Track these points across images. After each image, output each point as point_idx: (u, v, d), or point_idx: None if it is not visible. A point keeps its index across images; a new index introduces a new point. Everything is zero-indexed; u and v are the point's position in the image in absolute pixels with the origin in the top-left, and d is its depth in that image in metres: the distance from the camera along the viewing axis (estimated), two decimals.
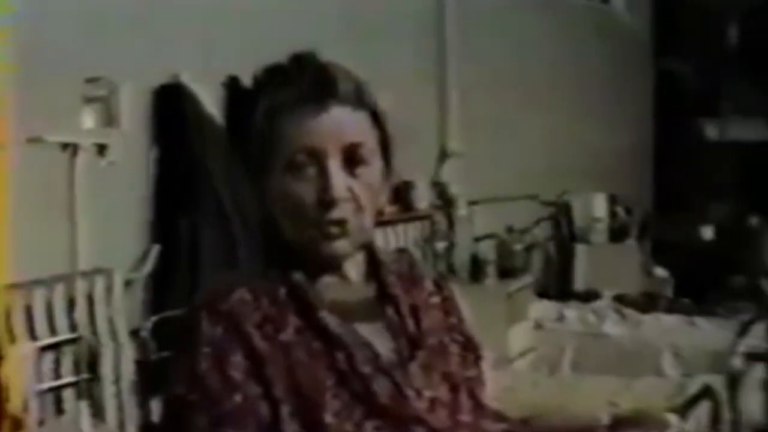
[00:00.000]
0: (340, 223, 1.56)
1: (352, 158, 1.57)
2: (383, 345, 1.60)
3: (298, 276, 1.59)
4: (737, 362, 4.91)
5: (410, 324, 1.65)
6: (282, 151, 1.56)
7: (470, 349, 1.73)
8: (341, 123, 1.57)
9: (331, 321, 1.57)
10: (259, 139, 1.59)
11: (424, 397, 1.59)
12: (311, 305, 1.57)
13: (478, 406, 1.68)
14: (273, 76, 1.60)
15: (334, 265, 1.62)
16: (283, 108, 1.56)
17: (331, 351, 1.55)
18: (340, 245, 1.58)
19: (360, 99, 1.60)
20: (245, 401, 1.49)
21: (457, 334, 1.73)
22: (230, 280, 1.61)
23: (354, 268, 1.64)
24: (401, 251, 1.82)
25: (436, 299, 1.74)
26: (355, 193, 1.57)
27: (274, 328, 1.54)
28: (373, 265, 1.68)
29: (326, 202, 1.54)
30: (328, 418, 1.51)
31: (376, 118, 1.62)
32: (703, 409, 4.44)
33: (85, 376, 3.89)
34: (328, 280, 1.62)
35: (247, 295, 1.56)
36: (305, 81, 1.56)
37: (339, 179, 1.55)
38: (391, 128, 1.65)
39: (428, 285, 1.75)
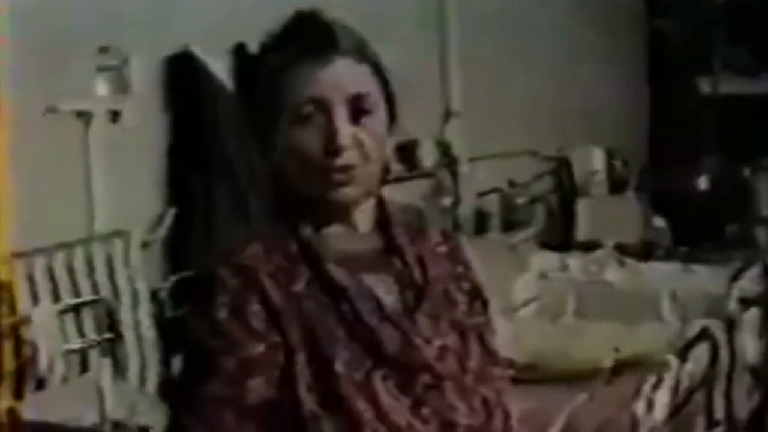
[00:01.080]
0: (346, 169, 1.56)
1: (357, 108, 1.57)
2: (389, 295, 1.60)
3: (306, 230, 1.58)
4: (733, 306, 4.90)
5: (416, 273, 1.64)
6: (288, 104, 1.56)
7: (477, 296, 1.72)
8: (345, 74, 1.57)
9: (337, 273, 1.56)
10: (266, 96, 1.59)
11: (432, 345, 1.59)
12: (319, 258, 1.56)
13: (488, 353, 1.67)
14: (278, 35, 1.60)
15: (341, 214, 1.61)
16: (289, 63, 1.56)
17: (339, 303, 1.55)
18: (347, 192, 1.57)
19: (362, 52, 1.60)
20: (267, 349, 1.50)
21: (464, 282, 1.72)
22: (244, 236, 1.61)
23: (362, 218, 1.64)
24: (409, 206, 1.81)
25: (443, 249, 1.74)
26: (361, 141, 1.57)
27: (287, 280, 1.54)
28: (382, 217, 1.67)
29: (332, 148, 1.54)
30: (339, 368, 1.51)
31: (379, 72, 1.62)
32: (702, 350, 4.43)
33: (107, 335, 3.89)
34: (336, 230, 1.61)
35: (261, 249, 1.55)
36: (309, 36, 1.57)
37: (345, 127, 1.55)
38: (394, 83, 1.65)
39: (435, 235, 1.74)
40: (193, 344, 1.52)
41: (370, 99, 1.58)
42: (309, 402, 1.49)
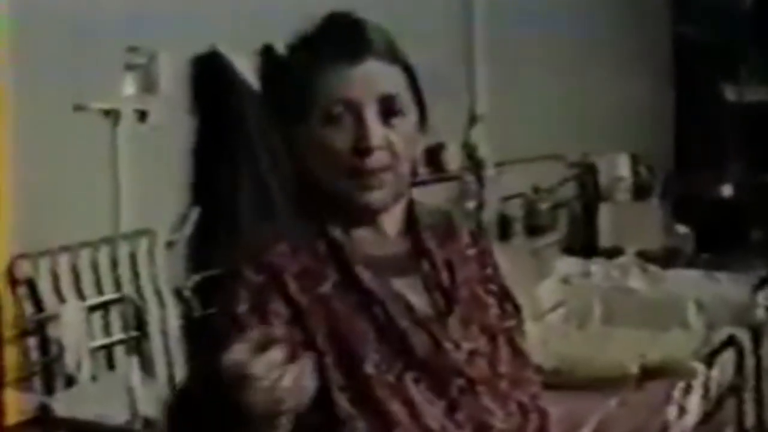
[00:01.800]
0: (377, 172, 1.53)
1: (387, 109, 1.54)
2: (418, 299, 1.57)
3: (335, 231, 1.56)
4: (760, 314, 4.86)
5: (445, 277, 1.61)
6: (319, 104, 1.53)
7: (507, 299, 1.68)
8: (376, 75, 1.55)
9: (366, 276, 1.54)
10: (294, 96, 1.57)
11: (462, 349, 1.55)
12: (347, 260, 1.54)
13: (518, 356, 1.63)
14: (309, 35, 1.58)
15: (370, 217, 1.58)
16: (319, 64, 1.54)
17: (368, 305, 1.52)
18: (377, 196, 1.54)
19: (393, 53, 1.58)
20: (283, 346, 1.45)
21: (492, 285, 1.68)
22: (272, 234, 1.58)
23: (391, 221, 1.61)
24: (438, 209, 1.77)
25: (471, 251, 1.70)
26: (391, 143, 1.54)
27: (313, 281, 1.51)
28: (410, 220, 1.64)
29: (363, 149, 1.51)
30: (369, 369, 1.48)
31: (409, 73, 1.60)
32: (728, 358, 4.39)
33: (133, 333, 3.87)
34: (364, 234, 1.58)
35: (287, 248, 1.53)
36: (341, 37, 1.55)
37: (375, 128, 1.52)
38: (422, 85, 1.62)
39: (464, 238, 1.71)
40: (212, 335, 1.50)
41: (401, 100, 1.56)
42: (342, 402, 1.46)
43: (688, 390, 3.99)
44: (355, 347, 1.49)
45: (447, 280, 1.61)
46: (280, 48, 1.65)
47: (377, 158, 1.52)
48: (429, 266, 1.61)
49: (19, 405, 3.41)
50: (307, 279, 1.51)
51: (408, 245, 1.62)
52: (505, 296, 1.70)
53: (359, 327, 1.50)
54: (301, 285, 1.50)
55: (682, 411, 3.90)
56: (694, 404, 4.00)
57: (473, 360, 1.55)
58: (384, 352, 1.50)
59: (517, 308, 1.70)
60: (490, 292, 1.67)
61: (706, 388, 4.11)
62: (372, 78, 1.54)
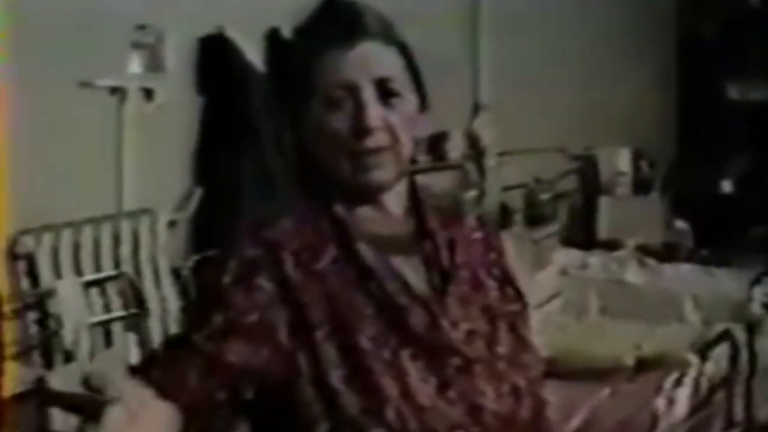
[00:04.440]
0: (376, 152, 1.53)
1: (385, 91, 1.55)
2: (416, 277, 1.57)
3: (339, 208, 1.56)
4: (756, 309, 4.85)
5: (445, 257, 1.61)
6: (319, 88, 1.54)
7: (509, 284, 1.68)
8: (373, 56, 1.56)
9: (366, 252, 1.54)
10: (297, 80, 1.58)
11: (460, 328, 1.55)
12: (350, 236, 1.54)
13: (519, 340, 1.62)
14: (308, 20, 1.60)
15: (372, 197, 1.58)
16: (318, 48, 1.55)
17: (366, 281, 1.52)
18: (377, 175, 1.55)
19: (388, 35, 1.59)
20: (260, 321, 1.47)
21: (496, 270, 1.67)
22: (276, 210, 1.61)
23: (394, 201, 1.61)
24: (445, 193, 1.77)
25: (477, 235, 1.70)
26: (390, 123, 1.55)
27: (310, 257, 1.52)
28: (414, 200, 1.63)
29: (361, 130, 1.52)
30: (365, 343, 1.48)
31: (406, 55, 1.61)
32: (722, 351, 4.39)
33: (133, 311, 3.87)
34: (367, 213, 1.58)
35: (291, 224, 1.54)
36: (337, 21, 1.56)
37: (373, 109, 1.53)
38: (422, 67, 1.63)
39: (470, 221, 1.71)
40: (196, 295, 1.54)
41: (398, 81, 1.56)
42: (333, 377, 1.46)
43: (678, 382, 4.00)
44: (351, 322, 1.49)
45: (447, 260, 1.60)
46: (287, 32, 1.65)
47: (376, 138, 1.53)
48: (431, 246, 1.61)
49: (17, 378, 3.40)
50: (305, 255, 1.51)
51: (412, 225, 1.62)
52: (508, 281, 1.69)
53: (356, 302, 1.50)
54: (297, 261, 1.50)
55: (671, 403, 3.90)
56: (684, 396, 4.00)
57: (471, 340, 1.55)
58: (380, 327, 1.50)
59: (519, 294, 1.70)
60: (492, 275, 1.67)
61: (698, 381, 4.11)
62: (368, 60, 1.55)
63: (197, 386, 1.44)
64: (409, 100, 1.58)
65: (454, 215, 1.69)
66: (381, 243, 1.56)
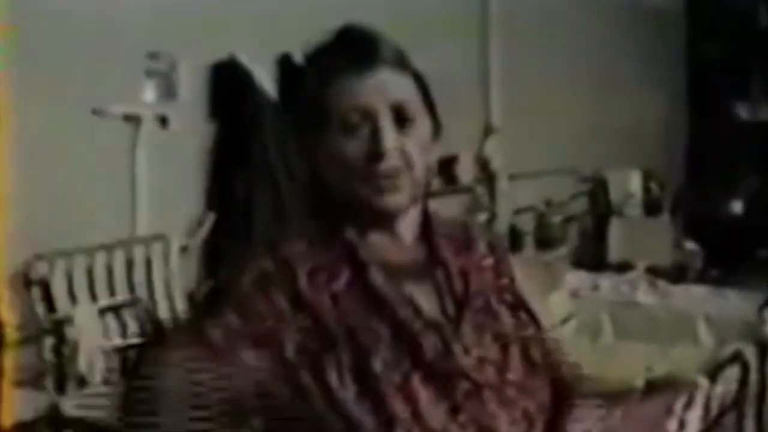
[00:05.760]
0: (391, 175, 1.53)
1: (401, 116, 1.55)
2: (429, 304, 1.56)
3: (350, 233, 1.56)
4: (767, 331, 4.84)
5: (458, 286, 1.60)
6: (333, 113, 1.55)
7: (522, 308, 1.68)
8: (388, 83, 1.56)
9: (378, 279, 1.53)
10: (310, 106, 1.59)
11: (472, 354, 1.54)
12: (361, 262, 1.54)
13: (532, 366, 1.62)
14: (323, 47, 1.60)
15: (386, 222, 1.58)
16: (333, 74, 1.56)
17: (379, 307, 1.51)
18: (392, 199, 1.54)
19: (402, 62, 1.59)
20: (270, 333, 1.45)
21: (508, 295, 1.68)
22: (289, 233, 1.61)
23: (407, 227, 1.60)
24: (455, 219, 1.77)
25: (488, 261, 1.69)
26: (406, 149, 1.54)
27: (326, 279, 1.51)
28: (426, 227, 1.63)
29: (376, 154, 1.52)
30: (377, 366, 1.47)
31: (420, 82, 1.60)
32: (733, 373, 4.37)
33: (146, 336, 3.87)
34: (380, 239, 1.58)
35: (303, 246, 1.54)
36: (353, 47, 1.57)
37: (389, 133, 1.53)
38: (434, 94, 1.62)
39: (481, 247, 1.70)
40: (210, 295, 1.54)
41: (412, 107, 1.56)
42: (345, 398, 1.46)
43: (689, 404, 3.98)
44: (364, 342, 1.48)
45: (461, 289, 1.60)
46: (298, 57, 1.66)
47: (391, 162, 1.52)
48: (443, 275, 1.60)
49: (29, 404, 3.41)
50: (320, 277, 1.51)
51: (424, 253, 1.61)
52: (520, 305, 1.69)
53: (369, 325, 1.50)
54: (311, 280, 1.50)
55: (682, 425, 3.88)
56: (695, 418, 3.98)
57: (482, 366, 1.55)
58: (393, 351, 1.49)
59: (533, 318, 1.70)
60: (504, 302, 1.67)
61: (708, 403, 4.09)
62: (385, 86, 1.55)
63: None
64: (423, 126, 1.58)
65: (465, 242, 1.68)
66: (393, 269, 1.56)
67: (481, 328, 1.59)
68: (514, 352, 1.61)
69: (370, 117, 1.53)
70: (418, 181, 1.57)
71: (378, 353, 1.48)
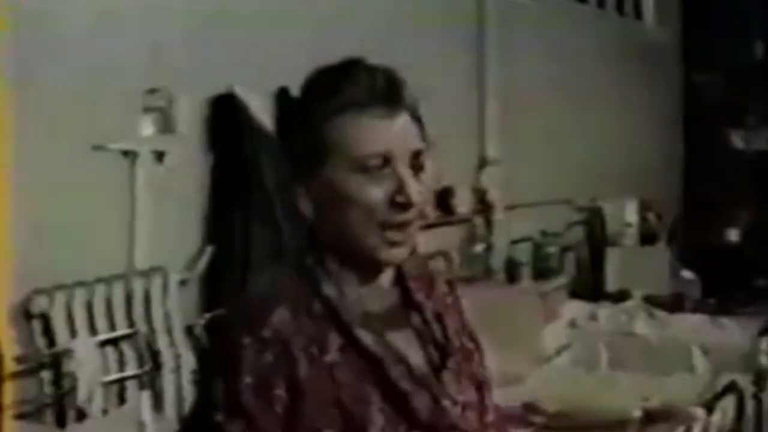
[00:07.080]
0: (405, 225, 1.52)
1: (415, 164, 1.54)
2: (415, 355, 1.57)
3: (329, 289, 1.53)
4: (763, 360, 4.86)
5: (437, 330, 1.61)
6: (350, 152, 1.51)
7: (480, 347, 1.70)
8: (408, 129, 1.55)
9: (366, 338, 1.52)
10: (313, 141, 1.53)
11: (457, 404, 1.57)
12: (345, 323, 1.52)
13: (494, 404, 1.66)
14: (328, 79, 1.56)
15: (377, 273, 1.57)
16: (349, 109, 1.51)
17: (371, 369, 1.51)
18: (399, 253, 1.54)
19: (415, 108, 1.58)
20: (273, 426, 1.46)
21: (467, 330, 1.70)
22: (266, 295, 1.55)
23: (387, 275, 1.60)
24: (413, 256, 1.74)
25: (449, 299, 1.71)
26: (423, 198, 1.55)
27: (319, 349, 1.49)
28: (400, 271, 1.63)
29: (402, 204, 1.50)
30: None
31: (422, 128, 1.60)
32: (729, 402, 4.38)
33: (146, 369, 3.89)
34: (358, 291, 1.56)
35: (287, 314, 1.49)
36: (376, 87, 1.53)
37: (412, 183, 1.52)
38: (432, 135, 1.63)
39: (442, 286, 1.71)
40: (211, 422, 1.47)
41: (424, 155, 1.56)
42: None
43: None
44: (361, 413, 1.48)
45: (440, 334, 1.61)
46: (295, 91, 1.64)
47: (412, 214, 1.52)
48: (420, 319, 1.60)
49: None
50: (313, 350, 1.48)
51: (397, 296, 1.61)
52: (470, 335, 1.70)
53: (364, 393, 1.49)
54: (308, 357, 1.47)
55: None
56: None
57: (465, 413, 1.57)
58: (388, 413, 1.49)
59: (476, 344, 1.70)
60: (470, 338, 1.69)
61: None
62: (405, 132, 1.53)
63: None
64: (428, 173, 1.57)
65: (429, 281, 1.67)
66: (375, 322, 1.54)
67: (460, 372, 1.60)
68: (486, 391, 1.64)
69: (392, 163, 1.51)
70: (417, 230, 1.56)
71: (375, 422, 1.48)
